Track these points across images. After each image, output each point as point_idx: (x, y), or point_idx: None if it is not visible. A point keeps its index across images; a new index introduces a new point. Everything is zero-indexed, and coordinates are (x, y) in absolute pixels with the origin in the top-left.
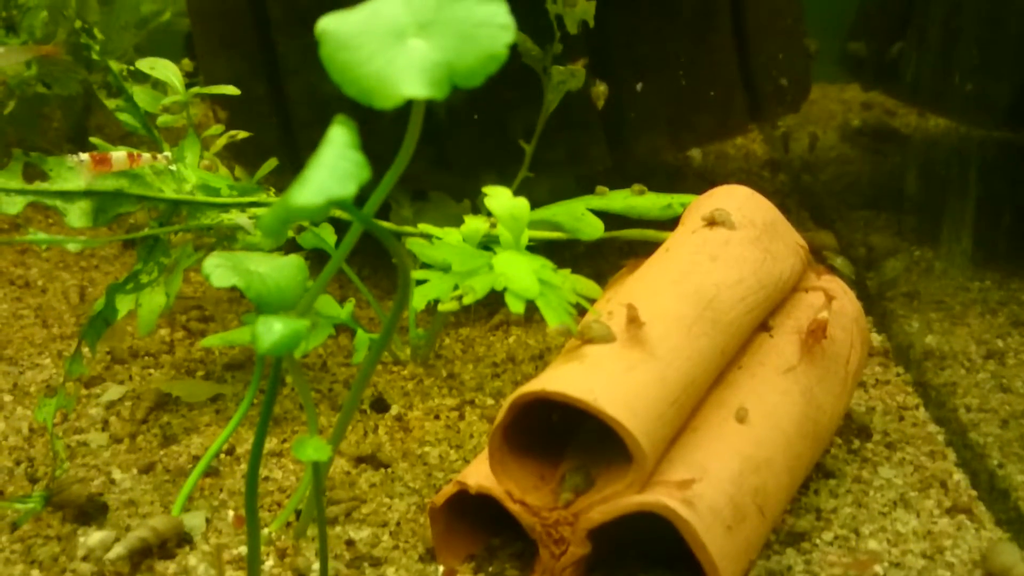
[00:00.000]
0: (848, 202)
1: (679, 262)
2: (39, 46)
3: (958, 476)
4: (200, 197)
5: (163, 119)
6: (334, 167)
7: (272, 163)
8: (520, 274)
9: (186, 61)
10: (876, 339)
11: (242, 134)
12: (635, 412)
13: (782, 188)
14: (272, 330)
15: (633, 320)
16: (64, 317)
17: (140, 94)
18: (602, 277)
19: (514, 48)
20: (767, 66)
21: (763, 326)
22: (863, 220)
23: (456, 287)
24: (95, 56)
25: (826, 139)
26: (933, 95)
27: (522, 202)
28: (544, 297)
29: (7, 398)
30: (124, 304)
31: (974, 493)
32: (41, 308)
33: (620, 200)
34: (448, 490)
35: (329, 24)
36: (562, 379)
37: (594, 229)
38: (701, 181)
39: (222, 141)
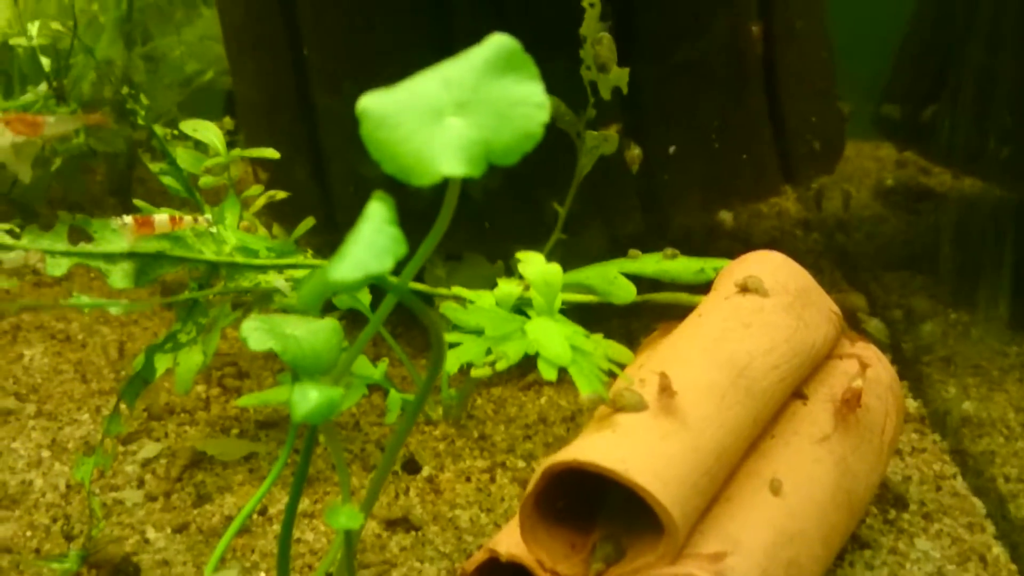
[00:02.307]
0: (883, 262)
1: (712, 329)
2: (88, 115)
3: (997, 550)
4: (239, 259)
5: (205, 180)
6: (372, 243)
7: (309, 222)
8: (553, 341)
9: (227, 120)
10: (912, 405)
11: (281, 194)
12: (667, 483)
13: (815, 247)
14: (308, 398)
15: (665, 389)
16: (103, 372)
17: (183, 155)
18: (634, 339)
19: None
20: (800, 129)
21: (797, 393)
22: (898, 281)
23: (489, 351)
24: (140, 121)
25: (860, 197)
26: (967, 159)
27: (555, 268)
28: (576, 364)
29: (45, 454)
30: (162, 363)
31: (1014, 568)
32: (81, 363)
33: (653, 264)
34: (478, 557)
35: (369, 103)
36: (594, 448)
37: (627, 293)
38: (734, 241)
39: (261, 201)
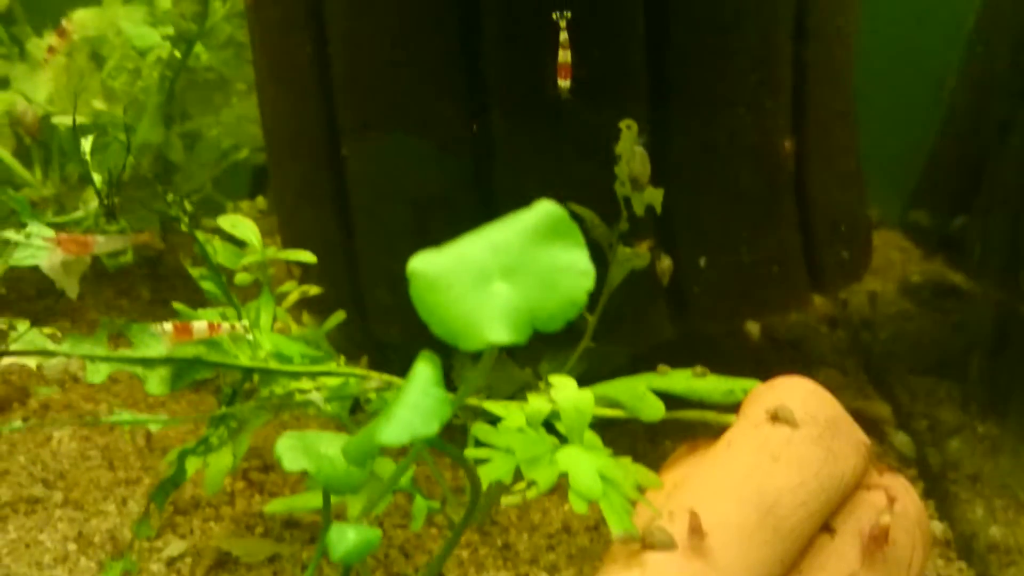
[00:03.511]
0: (909, 364)
1: (741, 462)
2: (136, 234)
3: None
4: (273, 365)
5: (241, 277)
6: (418, 404)
7: (340, 316)
8: (584, 473)
9: (260, 199)
10: (938, 528)
11: (314, 290)
12: None
13: (840, 346)
14: (345, 539)
15: (696, 530)
16: (130, 460)
17: (221, 251)
18: (660, 452)
19: (580, 220)
20: (830, 240)
21: (825, 526)
22: (924, 387)
23: (518, 469)
24: (184, 228)
25: (885, 292)
26: (998, 278)
27: (587, 397)
28: (607, 499)
29: (72, 547)
30: (192, 464)
31: None
32: (108, 448)
33: (682, 382)
34: None
35: (419, 265)
36: None
37: (655, 411)
38: (762, 341)
39: (294, 297)
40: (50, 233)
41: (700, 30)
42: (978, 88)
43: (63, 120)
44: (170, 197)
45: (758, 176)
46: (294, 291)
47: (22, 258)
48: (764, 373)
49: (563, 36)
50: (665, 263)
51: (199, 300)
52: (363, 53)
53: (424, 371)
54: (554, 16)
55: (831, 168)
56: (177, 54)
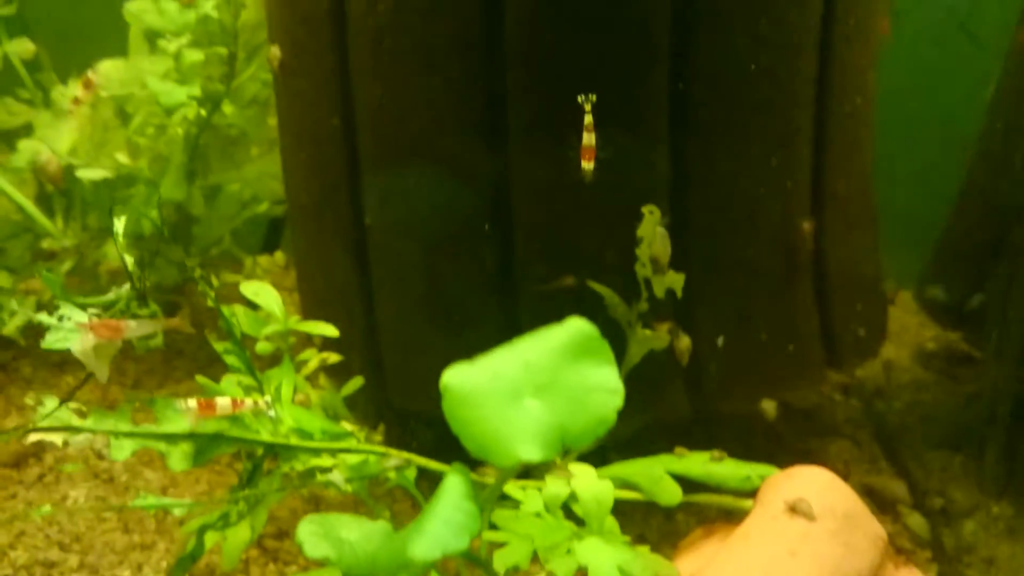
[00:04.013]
0: (923, 437)
1: (758, 557)
2: (167, 319)
3: None
4: (294, 441)
5: (262, 347)
6: (450, 519)
7: (357, 382)
8: (603, 567)
9: (279, 255)
10: None
11: (334, 358)
12: None
13: (853, 415)
14: None
15: None
16: (145, 523)
17: (244, 318)
18: (675, 531)
19: (600, 299)
20: (846, 318)
21: None
22: (939, 462)
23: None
24: (210, 303)
25: (900, 358)
26: (1017, 360)
27: (606, 487)
28: None
29: None
30: (211, 538)
31: None
32: (123, 509)
33: (699, 466)
34: None
35: (452, 380)
36: None
37: (672, 496)
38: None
39: (314, 364)
40: (83, 317)
41: (722, 114)
42: (996, 165)
43: (87, 174)
44: (195, 268)
45: (777, 256)
46: (314, 359)
47: (54, 341)
48: (776, 444)
49: (588, 119)
50: (684, 342)
51: (214, 356)
52: (390, 128)
53: (455, 485)
54: (579, 100)
55: (849, 247)
56: (203, 113)
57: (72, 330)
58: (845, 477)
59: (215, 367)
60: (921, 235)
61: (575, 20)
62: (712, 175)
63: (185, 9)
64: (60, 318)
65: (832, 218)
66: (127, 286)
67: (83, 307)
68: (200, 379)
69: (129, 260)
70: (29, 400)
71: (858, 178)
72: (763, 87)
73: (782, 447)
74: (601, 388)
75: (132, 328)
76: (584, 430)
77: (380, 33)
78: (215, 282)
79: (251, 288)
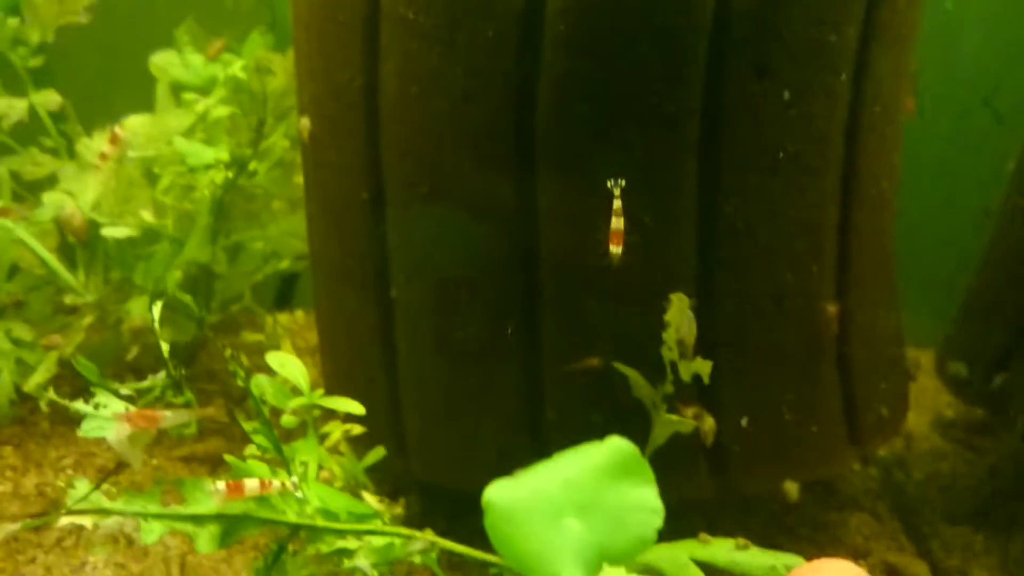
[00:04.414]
0: (942, 510)
1: None
2: (202, 408)
3: None
4: (320, 522)
5: (287, 420)
6: None
7: (379, 453)
8: None
9: (299, 314)
10: None
11: (357, 429)
12: None
13: (872, 488)
14: None
15: None
16: None
17: (270, 390)
18: None
19: (625, 379)
20: (869, 398)
21: None
22: (960, 539)
23: None
24: (239, 382)
25: (918, 425)
26: None
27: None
28: None
29: None
30: None
31: None
32: None
33: (724, 553)
34: None
35: (495, 496)
36: None
37: None
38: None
39: (337, 436)
40: (119, 405)
41: (750, 201)
42: (1018, 242)
43: (112, 232)
44: (228, 355)
45: (802, 339)
46: (337, 431)
47: (90, 430)
48: (795, 517)
49: (616, 204)
50: (708, 424)
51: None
52: (419, 206)
53: None
54: (609, 184)
55: (872, 328)
56: (230, 175)
57: (108, 419)
58: (866, 554)
59: (244, 440)
60: (942, 298)
61: (607, 109)
62: (738, 259)
63: (210, 63)
64: (96, 406)
65: (856, 300)
66: (163, 373)
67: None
68: (228, 459)
69: (164, 347)
70: (60, 483)
71: (882, 259)
72: (791, 174)
73: (801, 519)
74: (641, 508)
75: (168, 418)
76: (624, 550)
77: (411, 114)
78: (228, 351)
79: (276, 360)
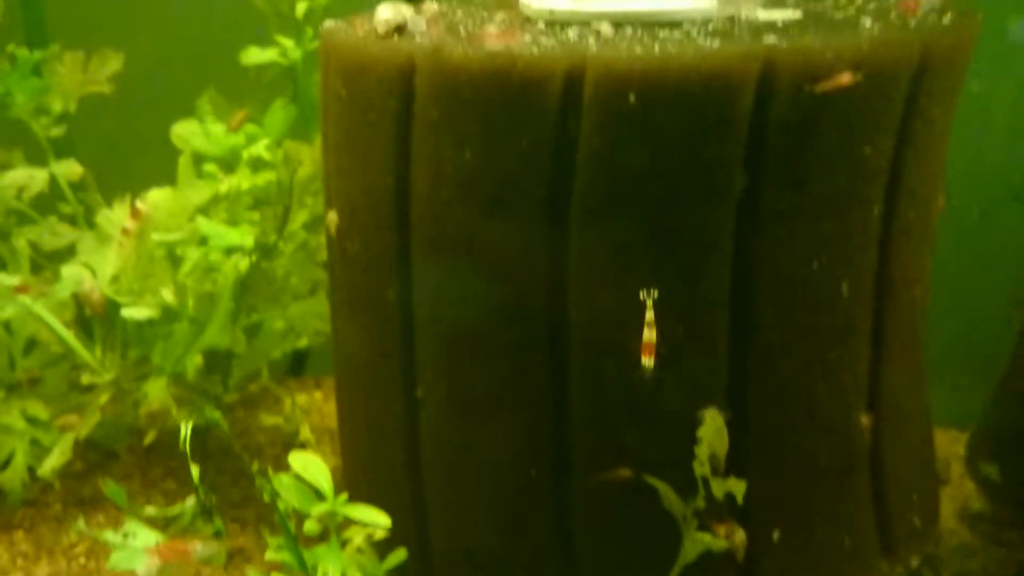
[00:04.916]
0: None
1: None
2: (233, 539)
3: None
4: None
5: (309, 526)
6: None
7: (400, 555)
8: None
9: (317, 394)
10: None
11: (380, 533)
12: None
13: None
14: None
15: None
16: None
17: (294, 493)
18: None
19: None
20: (902, 508)
21: None
22: None
23: None
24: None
25: (944, 516)
26: None
27: None
28: None
29: None
30: None
31: None
32: None
33: None
34: None
35: None
36: None
37: None
38: None
39: (359, 541)
40: (151, 538)
41: (783, 312)
42: None
43: (133, 313)
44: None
45: (834, 451)
46: (358, 535)
47: (119, 561)
48: None
49: (649, 316)
50: (739, 537)
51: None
52: (447, 308)
53: None
54: (641, 296)
55: (904, 438)
56: (253, 258)
57: (138, 551)
58: None
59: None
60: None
61: (641, 223)
62: (771, 371)
63: (232, 133)
64: (125, 535)
65: (888, 410)
66: (192, 499)
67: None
68: (252, 573)
69: (195, 469)
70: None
71: (914, 367)
72: (824, 285)
73: None
74: None
75: (198, 552)
76: None
77: (441, 217)
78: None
79: (300, 462)
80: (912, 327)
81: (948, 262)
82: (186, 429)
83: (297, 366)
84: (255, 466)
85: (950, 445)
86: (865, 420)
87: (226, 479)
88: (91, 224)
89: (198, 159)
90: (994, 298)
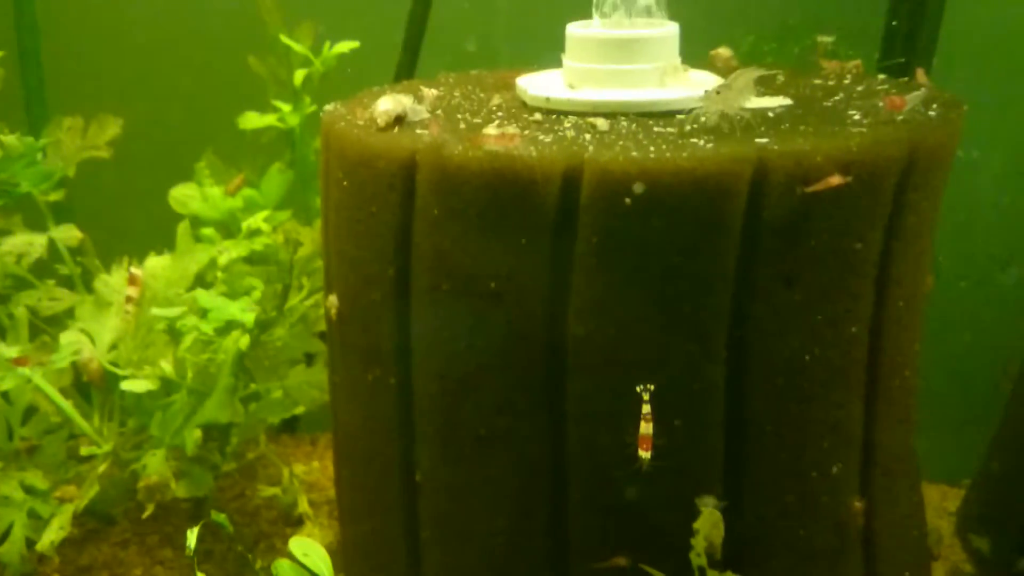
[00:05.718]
0: None
1: None
2: None
3: None
4: None
5: None
6: None
7: None
8: None
9: (316, 465)
10: None
11: None
12: None
13: None
14: None
15: None
16: None
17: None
18: None
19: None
20: None
21: None
22: None
23: None
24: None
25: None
26: None
27: None
28: None
29: None
30: None
31: None
32: None
33: None
34: None
35: None
36: None
37: None
38: None
39: None
40: None
41: (776, 403)
42: None
43: (132, 386)
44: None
45: (827, 535)
46: None
47: None
48: None
49: (645, 409)
50: None
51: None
52: (447, 398)
53: None
54: (638, 389)
55: (897, 517)
56: (254, 332)
57: None
58: None
59: None
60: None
61: (638, 318)
62: (764, 460)
63: (230, 197)
64: None
65: (881, 492)
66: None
67: None
68: None
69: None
70: None
71: (905, 447)
72: (816, 376)
73: None
74: None
75: None
76: None
77: (441, 308)
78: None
79: (300, 547)
80: (903, 410)
81: (937, 335)
82: (192, 538)
83: (291, 423)
84: (256, 562)
85: (940, 501)
86: (858, 504)
87: (222, 546)
88: (89, 288)
89: (195, 222)
90: (983, 366)
